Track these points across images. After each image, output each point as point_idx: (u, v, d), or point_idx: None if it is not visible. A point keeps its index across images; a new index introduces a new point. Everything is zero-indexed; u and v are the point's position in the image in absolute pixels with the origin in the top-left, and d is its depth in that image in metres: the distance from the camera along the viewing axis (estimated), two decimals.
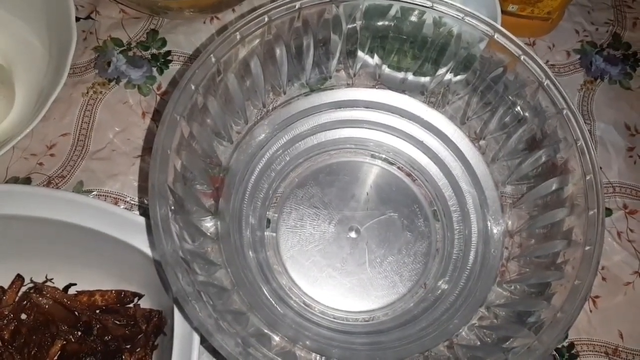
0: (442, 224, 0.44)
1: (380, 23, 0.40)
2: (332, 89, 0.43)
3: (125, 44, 0.50)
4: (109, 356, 0.39)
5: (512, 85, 0.39)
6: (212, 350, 0.41)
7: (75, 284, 0.41)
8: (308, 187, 0.44)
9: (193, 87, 0.35)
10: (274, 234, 0.42)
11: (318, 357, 0.35)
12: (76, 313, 0.39)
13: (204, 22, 0.51)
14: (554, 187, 0.38)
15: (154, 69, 0.49)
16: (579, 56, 0.54)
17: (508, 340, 0.34)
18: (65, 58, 0.42)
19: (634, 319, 0.45)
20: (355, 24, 0.40)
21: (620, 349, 0.44)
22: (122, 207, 0.44)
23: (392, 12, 0.39)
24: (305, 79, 0.42)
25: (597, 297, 0.45)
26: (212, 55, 0.35)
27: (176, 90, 0.34)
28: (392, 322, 0.40)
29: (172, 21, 0.51)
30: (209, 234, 0.37)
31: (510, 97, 0.40)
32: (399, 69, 0.43)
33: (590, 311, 0.45)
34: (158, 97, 0.48)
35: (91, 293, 0.40)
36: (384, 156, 0.45)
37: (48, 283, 0.40)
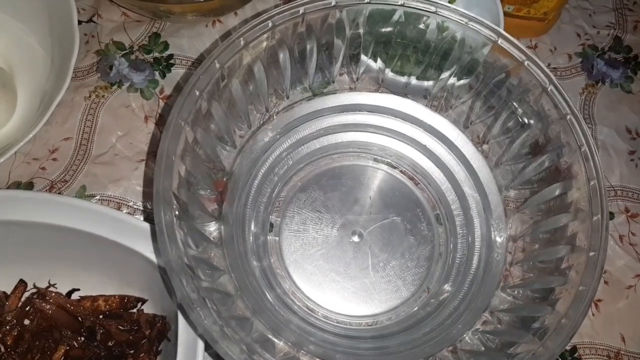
0: (445, 228, 0.44)
1: (383, 28, 0.40)
2: (335, 93, 0.43)
3: (127, 47, 0.50)
4: None
5: (515, 90, 0.39)
6: (216, 356, 0.40)
7: (78, 289, 0.41)
8: (311, 191, 0.44)
9: (197, 93, 0.35)
10: (277, 238, 0.42)
11: None
12: (79, 318, 0.39)
13: (207, 26, 0.51)
14: (557, 192, 0.38)
15: (157, 73, 0.49)
16: (580, 59, 0.54)
17: (512, 345, 0.34)
18: (67, 62, 0.42)
19: (636, 322, 0.45)
20: (358, 29, 0.40)
21: (623, 352, 0.45)
22: (125, 211, 0.44)
23: (396, 17, 0.39)
24: (308, 83, 0.42)
25: (599, 300, 0.46)
26: (216, 60, 0.35)
27: (180, 96, 0.34)
28: (395, 327, 0.40)
29: (175, 24, 0.51)
30: (212, 238, 0.37)
31: (513, 102, 0.40)
32: (402, 74, 0.43)
33: (593, 315, 0.45)
34: (161, 101, 0.48)
35: (94, 298, 0.40)
36: (387, 160, 0.45)
37: (51, 288, 0.40)
